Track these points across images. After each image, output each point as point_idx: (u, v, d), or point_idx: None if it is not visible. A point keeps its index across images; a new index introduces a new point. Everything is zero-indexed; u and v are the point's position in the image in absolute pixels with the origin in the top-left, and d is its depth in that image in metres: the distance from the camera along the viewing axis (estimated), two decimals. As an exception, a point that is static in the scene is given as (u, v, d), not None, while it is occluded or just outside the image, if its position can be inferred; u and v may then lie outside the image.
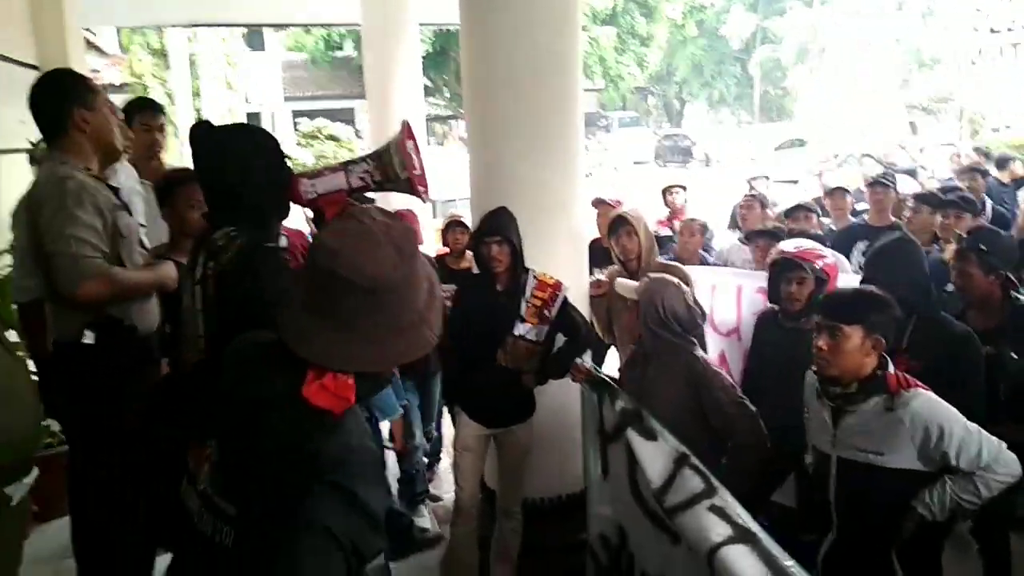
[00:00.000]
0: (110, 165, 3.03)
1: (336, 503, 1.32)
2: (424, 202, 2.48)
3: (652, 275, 3.14)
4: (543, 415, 3.53)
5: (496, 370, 3.40)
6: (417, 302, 1.47)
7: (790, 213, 5.22)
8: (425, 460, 4.93)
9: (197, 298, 2.24)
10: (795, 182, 8.73)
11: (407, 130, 2.36)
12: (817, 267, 3.36)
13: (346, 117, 18.29)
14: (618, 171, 26.51)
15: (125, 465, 2.77)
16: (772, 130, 33.26)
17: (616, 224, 4.11)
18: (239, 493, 1.40)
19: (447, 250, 5.14)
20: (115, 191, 2.84)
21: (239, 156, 2.26)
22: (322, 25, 15.69)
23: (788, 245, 3.58)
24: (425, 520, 4.46)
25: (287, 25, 14.87)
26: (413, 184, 2.34)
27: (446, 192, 9.14)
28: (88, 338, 2.67)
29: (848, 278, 3.58)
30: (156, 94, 12.92)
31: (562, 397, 3.46)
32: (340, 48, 27.04)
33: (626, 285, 3.23)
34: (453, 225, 5.12)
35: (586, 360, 3.34)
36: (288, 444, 1.37)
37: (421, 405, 4.58)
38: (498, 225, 3.39)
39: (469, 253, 4.97)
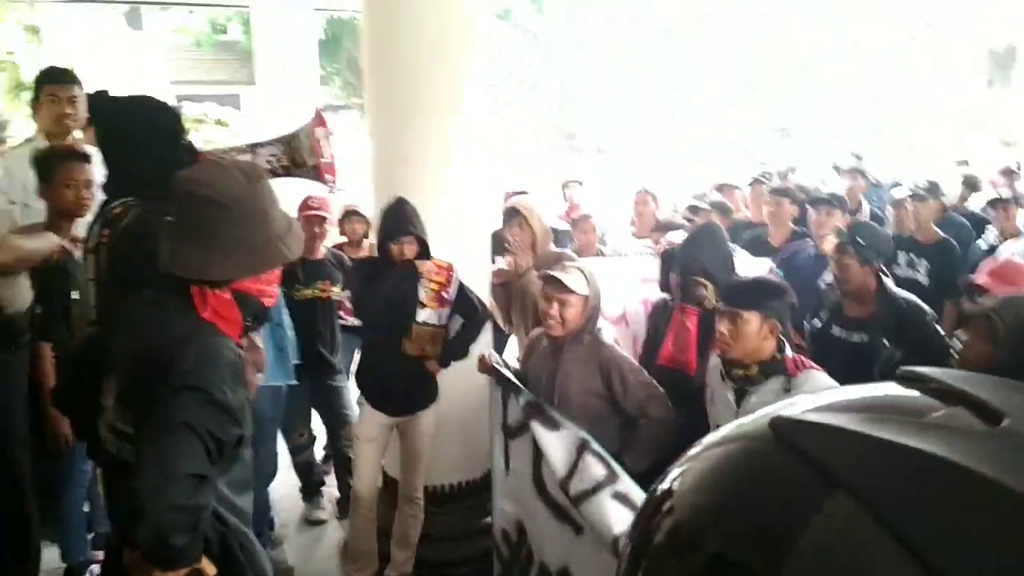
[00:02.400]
0: None
1: (193, 401, 1.61)
2: (331, 191, 2.48)
3: (581, 267, 3.17)
4: (445, 400, 3.56)
5: (400, 358, 3.40)
6: (272, 225, 1.80)
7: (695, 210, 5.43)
8: (321, 452, 4.88)
9: (90, 267, 2.16)
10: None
11: (319, 117, 2.34)
12: None
13: (233, 104, 17.68)
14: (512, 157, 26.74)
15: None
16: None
17: (508, 215, 4.17)
18: (134, 415, 1.71)
19: (345, 239, 5.08)
20: None
21: (140, 126, 2.22)
22: (206, 5, 15.12)
23: (677, 236, 3.73)
24: (323, 511, 4.42)
25: (171, 3, 14.37)
26: (320, 172, 2.34)
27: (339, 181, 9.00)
28: None
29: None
30: (31, 74, 12.17)
31: (464, 381, 3.49)
32: (225, 32, 26.11)
33: (574, 280, 3.06)
34: (350, 215, 5.07)
35: (492, 354, 3.37)
36: (153, 360, 1.66)
37: (322, 410, 4.51)
38: (405, 222, 3.34)
39: (367, 242, 4.95)
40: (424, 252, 3.40)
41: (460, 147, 3.68)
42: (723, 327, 2.68)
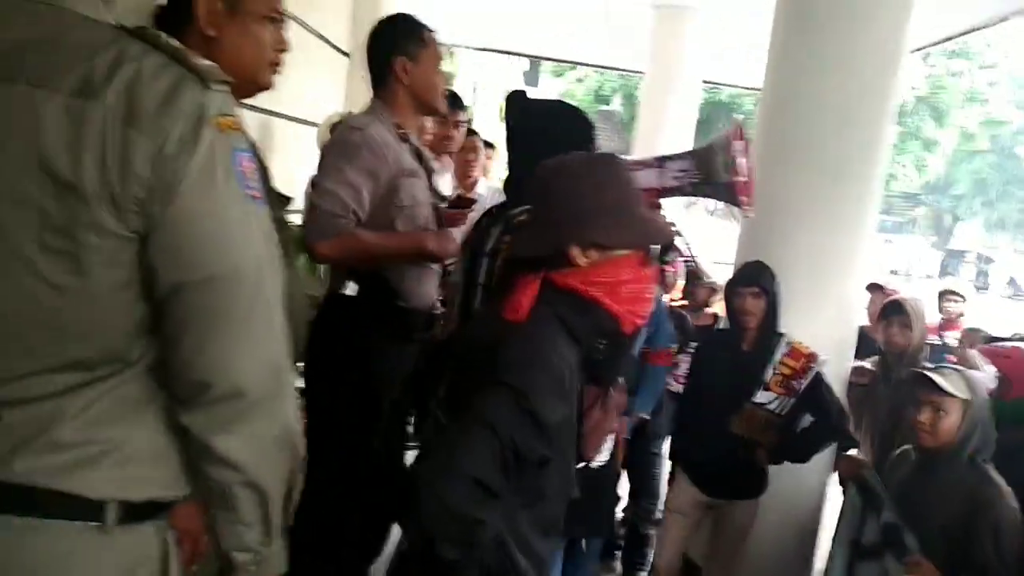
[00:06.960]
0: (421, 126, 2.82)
1: (503, 401, 1.36)
2: (746, 214, 2.20)
3: (962, 371, 2.67)
4: (772, 496, 3.15)
5: (727, 435, 3.07)
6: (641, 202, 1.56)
7: None
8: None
9: (482, 271, 2.08)
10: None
11: (738, 130, 2.09)
12: None
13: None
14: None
15: (352, 432, 2.50)
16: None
17: (890, 310, 3.65)
18: (452, 404, 1.52)
19: (686, 303, 4.89)
20: (421, 158, 2.58)
21: (554, 128, 2.12)
22: (606, 68, 16.16)
23: None
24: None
25: (574, 63, 15.77)
26: (735, 191, 2.05)
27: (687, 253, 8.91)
28: (350, 289, 2.45)
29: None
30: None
31: (797, 481, 3.08)
32: (607, 103, 27.52)
33: (952, 382, 2.55)
34: (691, 278, 4.90)
35: (864, 460, 2.95)
36: (483, 348, 1.46)
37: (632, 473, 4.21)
38: (756, 275, 3.13)
39: (709, 310, 4.70)
40: (771, 315, 3.09)
41: (849, 225, 3.38)
42: None
